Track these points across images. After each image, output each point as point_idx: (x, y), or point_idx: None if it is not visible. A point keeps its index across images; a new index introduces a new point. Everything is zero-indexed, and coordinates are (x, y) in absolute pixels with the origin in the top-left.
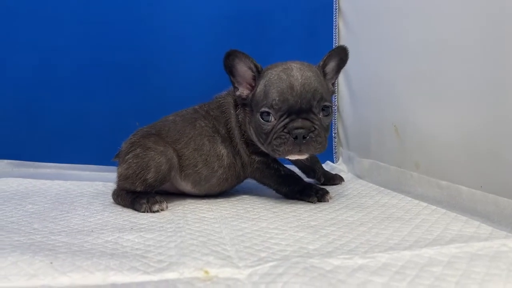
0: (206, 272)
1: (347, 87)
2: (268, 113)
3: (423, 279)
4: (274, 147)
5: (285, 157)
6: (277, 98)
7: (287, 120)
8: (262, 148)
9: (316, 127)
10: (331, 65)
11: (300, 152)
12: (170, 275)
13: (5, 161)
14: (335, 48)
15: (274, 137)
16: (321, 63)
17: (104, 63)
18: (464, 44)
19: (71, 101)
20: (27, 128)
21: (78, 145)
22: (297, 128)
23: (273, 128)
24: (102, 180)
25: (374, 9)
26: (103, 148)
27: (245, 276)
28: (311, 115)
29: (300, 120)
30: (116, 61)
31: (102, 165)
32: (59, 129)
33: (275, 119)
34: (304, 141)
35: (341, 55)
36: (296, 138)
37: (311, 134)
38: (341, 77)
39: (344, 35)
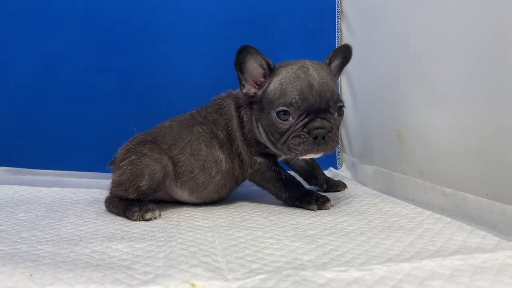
0: (193, 285)
1: (350, 92)
2: (286, 112)
3: None
4: (292, 146)
5: (301, 157)
6: (297, 97)
7: (306, 119)
8: (271, 147)
9: (333, 126)
10: (335, 63)
11: (317, 151)
12: None
13: (2, 168)
14: (340, 47)
15: (292, 136)
16: (327, 61)
17: (102, 69)
18: (470, 47)
19: (70, 107)
20: (25, 135)
21: (77, 151)
22: (317, 128)
23: (290, 127)
24: (100, 187)
25: (377, 12)
26: (101, 155)
27: None
28: (328, 115)
29: (319, 119)
30: (114, 67)
31: (101, 172)
32: (57, 135)
33: (293, 118)
34: (323, 141)
35: (345, 54)
36: (316, 138)
37: (329, 134)
38: (344, 82)
39: (346, 38)
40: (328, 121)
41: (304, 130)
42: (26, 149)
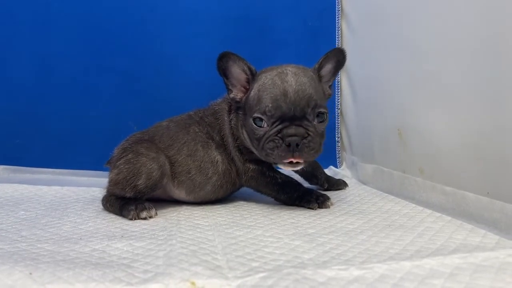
0: (193, 283)
1: (350, 91)
2: (261, 119)
3: None
4: (268, 151)
5: (279, 164)
6: (270, 105)
7: (280, 126)
8: (256, 153)
9: (310, 133)
10: (328, 68)
11: (293, 157)
12: (154, 287)
13: (2, 166)
14: (332, 50)
15: (266, 141)
16: (317, 65)
17: (102, 68)
18: (470, 46)
19: (70, 106)
20: (25, 134)
21: (76, 150)
22: (290, 135)
23: (265, 133)
24: (100, 186)
25: (378, 11)
26: (101, 154)
27: (233, 287)
28: (304, 122)
29: (293, 127)
30: (114, 66)
31: (101, 170)
32: (57, 134)
33: (268, 125)
34: (297, 148)
35: (339, 58)
36: (289, 145)
37: (304, 141)
38: (344, 81)
39: (347, 38)
40: (305, 128)
41: (279, 135)
42: (26, 147)
